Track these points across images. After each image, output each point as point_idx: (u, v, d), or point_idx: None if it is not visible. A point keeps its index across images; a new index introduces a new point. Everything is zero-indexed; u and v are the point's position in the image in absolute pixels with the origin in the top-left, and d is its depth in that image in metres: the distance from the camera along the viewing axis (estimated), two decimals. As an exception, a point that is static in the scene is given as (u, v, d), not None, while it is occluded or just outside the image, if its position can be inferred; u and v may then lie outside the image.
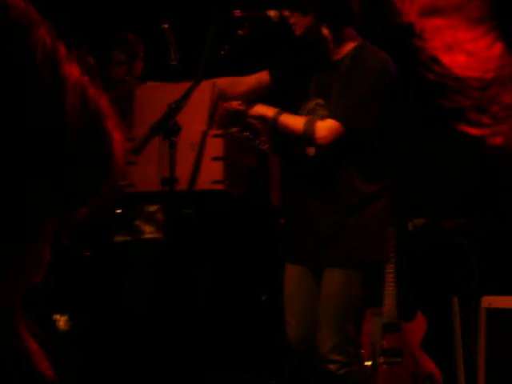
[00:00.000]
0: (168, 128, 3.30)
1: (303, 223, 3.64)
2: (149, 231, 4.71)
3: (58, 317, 4.67)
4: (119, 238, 4.71)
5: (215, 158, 3.47)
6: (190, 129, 3.42)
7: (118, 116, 0.86)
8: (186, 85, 3.42)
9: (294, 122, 3.57)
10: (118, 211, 4.23)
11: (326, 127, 3.51)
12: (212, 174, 3.47)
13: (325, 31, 3.59)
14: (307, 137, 3.53)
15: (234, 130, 3.58)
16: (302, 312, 3.67)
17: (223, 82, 3.63)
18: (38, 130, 0.83)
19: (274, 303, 4.25)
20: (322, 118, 3.57)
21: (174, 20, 3.90)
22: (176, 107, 3.30)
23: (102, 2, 5.43)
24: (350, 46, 3.60)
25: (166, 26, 3.81)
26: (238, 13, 3.50)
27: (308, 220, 3.62)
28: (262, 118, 3.62)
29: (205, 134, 3.48)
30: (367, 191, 3.56)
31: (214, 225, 4.03)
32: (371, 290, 3.71)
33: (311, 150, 3.62)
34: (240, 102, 3.63)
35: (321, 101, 3.61)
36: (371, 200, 3.57)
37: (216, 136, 3.49)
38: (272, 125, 3.61)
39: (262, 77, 3.75)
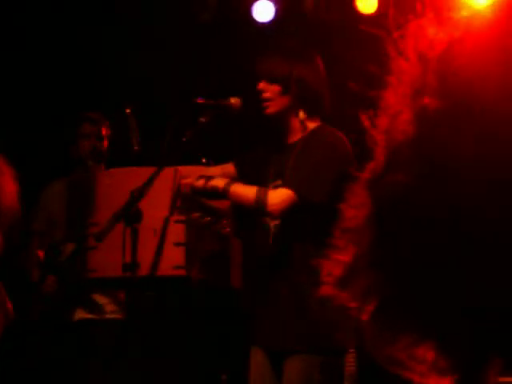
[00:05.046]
0: (130, 215, 3.33)
1: (264, 305, 3.64)
2: (110, 311, 4.70)
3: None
4: (79, 315, 4.69)
5: (177, 244, 3.49)
6: (152, 214, 3.45)
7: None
8: (148, 170, 3.46)
9: (246, 191, 3.54)
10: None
11: (278, 196, 3.49)
12: (174, 259, 3.48)
13: (294, 114, 3.64)
14: (259, 205, 3.49)
15: (196, 215, 3.61)
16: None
17: (186, 169, 3.66)
18: None
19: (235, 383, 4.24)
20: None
21: (136, 105, 3.95)
22: (138, 194, 3.34)
23: (65, 81, 5.49)
24: (310, 127, 3.66)
25: (128, 111, 3.86)
26: (200, 100, 3.57)
27: (268, 302, 3.62)
28: (213, 190, 3.55)
29: (167, 220, 3.51)
30: None
31: (176, 308, 4.04)
32: (333, 376, 3.68)
33: (271, 224, 3.63)
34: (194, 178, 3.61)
35: (279, 182, 3.65)
36: None
37: (178, 222, 3.51)
38: (223, 195, 3.56)
39: (227, 169, 3.77)
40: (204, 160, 3.77)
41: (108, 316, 4.68)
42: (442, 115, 0.93)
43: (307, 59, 3.67)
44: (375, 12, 5.50)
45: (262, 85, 3.65)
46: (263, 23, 5.64)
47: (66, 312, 4.67)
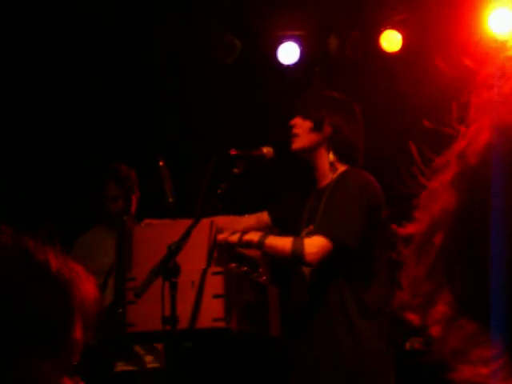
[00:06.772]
0: (168, 270, 3.33)
1: (302, 354, 3.63)
2: (150, 361, 4.69)
3: None
4: (120, 368, 4.67)
5: (215, 296, 3.49)
6: (189, 267, 3.45)
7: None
8: (183, 223, 3.48)
9: (281, 243, 3.53)
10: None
11: (314, 244, 3.48)
12: (213, 311, 3.48)
13: (325, 156, 3.65)
14: (296, 256, 3.49)
15: (233, 265, 3.62)
16: None
17: (222, 220, 3.68)
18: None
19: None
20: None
21: (170, 157, 3.97)
22: (175, 249, 3.34)
23: (98, 134, 5.52)
24: (337, 173, 3.67)
25: (161, 163, 3.87)
26: (233, 151, 3.58)
27: (306, 345, 3.61)
28: (248, 245, 3.57)
29: (204, 272, 3.51)
30: (361, 310, 3.53)
31: (216, 359, 4.03)
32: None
33: (307, 272, 3.62)
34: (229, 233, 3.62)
35: (312, 227, 3.65)
36: (366, 318, 3.53)
37: (215, 273, 3.52)
38: (259, 249, 3.56)
39: (262, 217, 3.79)
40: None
41: (148, 366, 4.67)
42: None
43: (344, 108, 3.69)
44: (399, 50, 5.51)
45: (294, 120, 3.67)
46: (288, 65, 5.66)
47: (107, 364, 4.64)
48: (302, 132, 3.65)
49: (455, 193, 0.90)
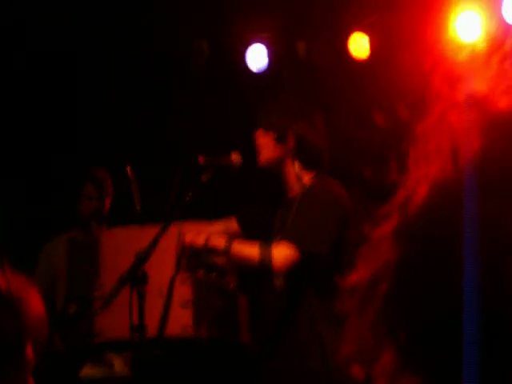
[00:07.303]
0: (136, 278, 3.32)
1: (270, 362, 3.62)
2: (119, 367, 4.66)
3: None
4: (87, 371, 4.64)
5: (184, 303, 3.48)
6: (157, 275, 3.44)
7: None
8: (150, 229, 3.46)
9: (248, 250, 3.49)
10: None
11: (281, 252, 3.45)
12: (181, 319, 3.47)
13: (291, 167, 3.64)
14: (264, 264, 3.46)
15: (201, 272, 3.60)
16: None
17: (189, 227, 3.65)
18: None
19: None
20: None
21: (137, 163, 3.95)
22: (143, 256, 3.33)
23: (69, 138, 5.49)
24: (306, 180, 3.65)
25: (129, 170, 3.86)
26: (201, 159, 3.56)
27: (275, 357, 3.59)
28: (214, 249, 3.52)
29: (173, 280, 3.49)
30: (331, 320, 3.50)
31: (185, 366, 4.01)
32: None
33: (279, 283, 3.61)
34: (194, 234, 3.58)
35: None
36: (337, 327, 3.51)
37: (184, 281, 3.50)
38: (225, 254, 3.51)
39: (231, 224, 3.77)
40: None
41: (116, 373, 4.64)
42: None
43: (307, 116, 3.67)
44: (368, 57, 5.51)
45: (258, 132, 3.65)
46: (257, 71, 5.65)
47: (73, 369, 4.62)
48: (266, 145, 3.63)
49: (396, 245, 0.91)
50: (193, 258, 3.60)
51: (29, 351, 1.25)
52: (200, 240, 3.52)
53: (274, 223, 3.69)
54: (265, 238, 3.65)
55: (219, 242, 3.51)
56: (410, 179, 0.93)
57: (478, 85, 0.90)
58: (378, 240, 0.93)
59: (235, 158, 3.63)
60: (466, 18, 5.28)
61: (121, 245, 3.61)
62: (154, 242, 3.36)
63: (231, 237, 3.56)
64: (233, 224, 3.77)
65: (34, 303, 1.25)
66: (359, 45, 5.53)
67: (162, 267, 3.50)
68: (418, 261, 0.88)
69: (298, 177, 3.63)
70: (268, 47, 5.67)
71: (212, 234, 3.57)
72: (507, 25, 4.96)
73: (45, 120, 5.42)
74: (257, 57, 5.70)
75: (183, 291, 3.49)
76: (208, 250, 3.52)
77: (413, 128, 0.95)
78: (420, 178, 0.91)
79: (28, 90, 5.37)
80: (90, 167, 4.94)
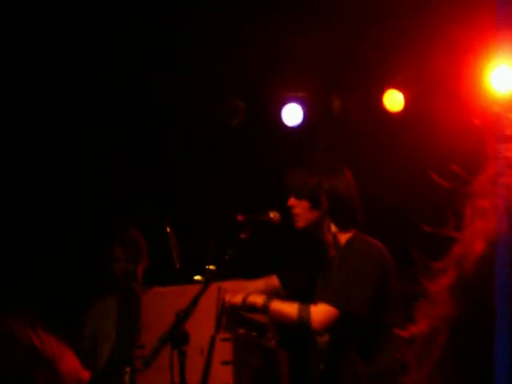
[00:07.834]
0: (177, 337, 3.32)
1: None
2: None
3: None
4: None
5: (224, 362, 3.48)
6: (198, 334, 3.45)
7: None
8: (191, 288, 3.48)
9: (287, 308, 3.54)
10: None
11: (320, 312, 3.48)
12: (221, 378, 3.47)
13: (327, 228, 3.66)
14: (303, 323, 3.49)
15: (241, 331, 3.61)
16: None
17: (230, 285, 3.67)
18: None
19: None
20: None
21: (176, 222, 3.98)
22: (184, 315, 3.34)
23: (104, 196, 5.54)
24: (344, 239, 3.67)
25: (168, 229, 3.89)
26: (240, 217, 3.59)
27: None
28: (252, 308, 3.57)
29: (213, 339, 3.50)
30: (374, 377, 3.50)
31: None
32: None
33: (322, 339, 3.60)
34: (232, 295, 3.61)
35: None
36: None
37: (224, 340, 3.51)
38: (264, 312, 3.56)
39: (271, 281, 3.78)
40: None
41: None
42: None
43: (335, 172, 3.69)
44: (402, 109, 5.55)
45: (291, 201, 3.69)
46: (293, 127, 5.70)
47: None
48: (302, 212, 3.66)
49: (454, 298, 0.92)
50: (232, 317, 3.61)
51: None
52: (239, 298, 3.56)
53: (316, 285, 3.71)
54: (305, 299, 3.66)
55: (258, 299, 3.55)
56: (466, 235, 0.95)
57: None
58: (436, 294, 0.94)
59: (274, 215, 3.65)
60: (500, 71, 5.30)
61: (162, 305, 3.63)
62: (195, 301, 3.37)
63: (270, 295, 3.59)
64: (273, 281, 3.78)
65: (69, 362, 1.27)
66: (394, 99, 5.56)
67: (202, 326, 3.51)
68: (475, 313, 0.89)
69: (335, 237, 3.66)
70: (303, 105, 5.73)
71: (250, 292, 3.60)
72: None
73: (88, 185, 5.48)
74: (292, 115, 5.76)
75: (223, 350, 3.49)
76: (247, 308, 3.55)
77: (467, 185, 0.96)
78: (476, 233, 0.92)
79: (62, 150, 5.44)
80: (118, 229, 4.95)
